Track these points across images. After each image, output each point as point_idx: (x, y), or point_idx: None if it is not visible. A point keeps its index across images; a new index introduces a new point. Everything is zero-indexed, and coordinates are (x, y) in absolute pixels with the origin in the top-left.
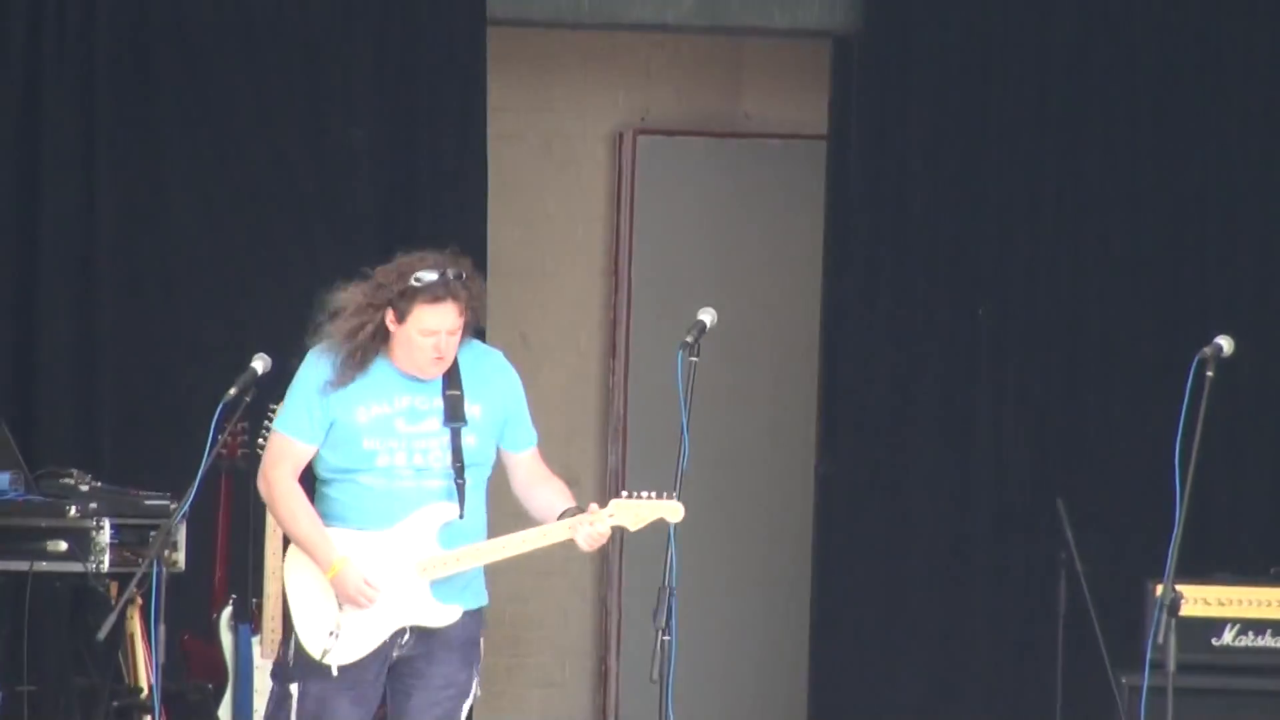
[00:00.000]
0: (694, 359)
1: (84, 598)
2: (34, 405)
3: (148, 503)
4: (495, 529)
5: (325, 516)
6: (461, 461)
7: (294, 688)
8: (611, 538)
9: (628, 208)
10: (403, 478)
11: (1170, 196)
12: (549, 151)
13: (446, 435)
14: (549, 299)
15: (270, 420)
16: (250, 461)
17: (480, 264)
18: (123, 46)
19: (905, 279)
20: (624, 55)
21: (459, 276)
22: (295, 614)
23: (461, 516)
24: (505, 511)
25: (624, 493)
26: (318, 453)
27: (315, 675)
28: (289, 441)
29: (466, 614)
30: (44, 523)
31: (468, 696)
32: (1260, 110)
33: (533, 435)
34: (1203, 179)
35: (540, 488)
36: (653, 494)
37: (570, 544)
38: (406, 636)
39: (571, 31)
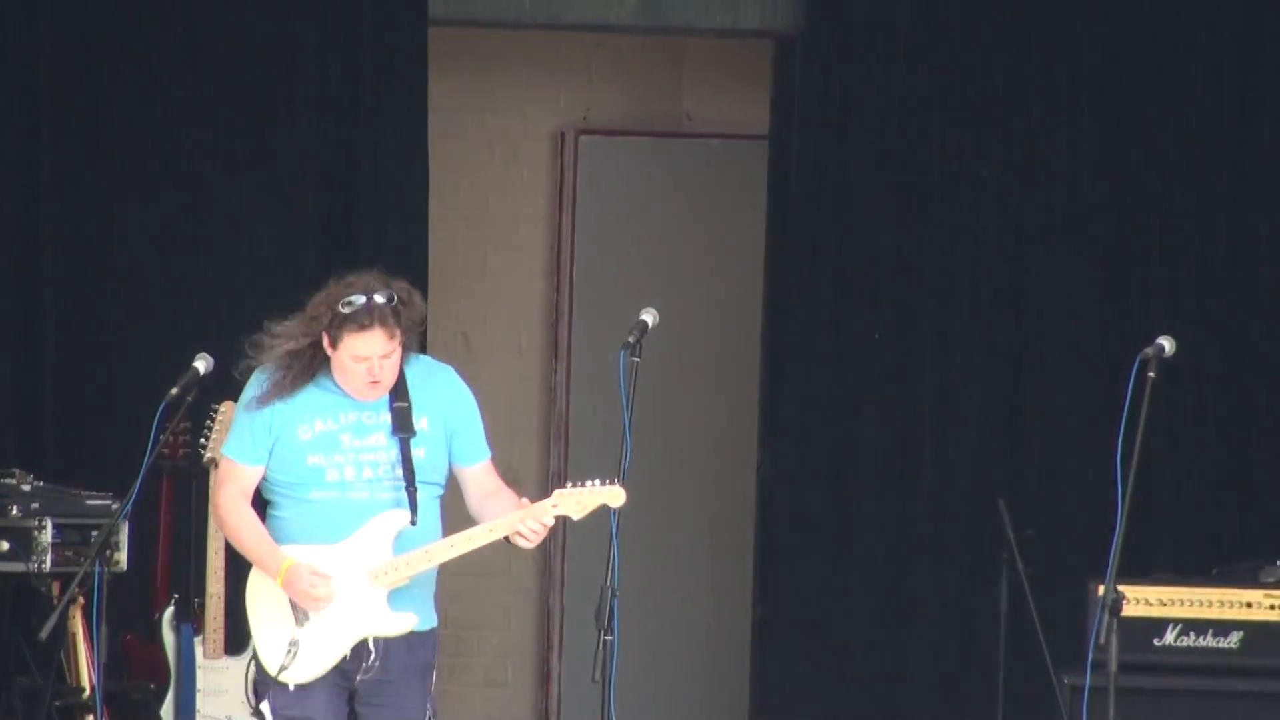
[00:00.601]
0: (636, 359)
1: (26, 597)
2: None
3: (90, 502)
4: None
5: (278, 536)
6: (411, 471)
7: (265, 707)
8: (553, 535)
9: (569, 207)
10: (355, 489)
11: (1113, 196)
12: (491, 151)
13: (395, 448)
14: (491, 298)
15: (212, 420)
16: (192, 462)
17: (421, 263)
18: (67, 42)
19: (847, 278)
20: (566, 55)
21: (389, 300)
22: (255, 632)
23: (414, 523)
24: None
25: (567, 483)
26: (265, 474)
27: (280, 689)
28: (232, 464)
29: (418, 635)
30: None
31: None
32: (1202, 112)
33: (485, 450)
34: (1145, 179)
35: (492, 501)
36: (595, 481)
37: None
38: (372, 657)
39: (513, 31)
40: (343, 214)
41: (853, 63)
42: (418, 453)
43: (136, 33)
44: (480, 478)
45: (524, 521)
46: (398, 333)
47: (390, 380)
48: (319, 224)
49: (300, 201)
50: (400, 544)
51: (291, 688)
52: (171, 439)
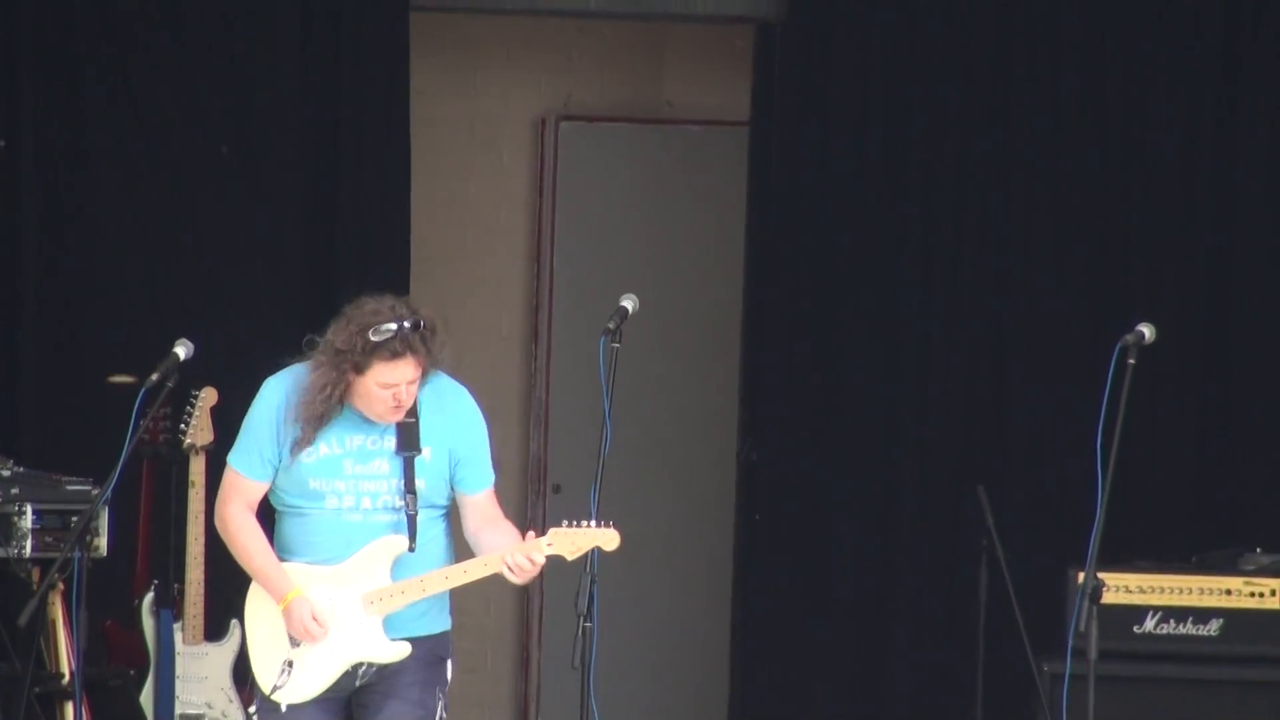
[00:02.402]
0: (616, 345)
1: (5, 583)
2: None
3: (69, 488)
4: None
5: (281, 549)
6: (414, 491)
7: (254, 711)
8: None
9: (550, 193)
10: (351, 515)
11: (1094, 185)
12: (472, 136)
13: (396, 476)
14: (471, 284)
15: (192, 405)
16: (172, 447)
17: (402, 247)
18: (45, 20)
19: (828, 265)
20: (547, 40)
21: (416, 327)
22: (251, 649)
23: (412, 549)
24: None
25: (564, 521)
26: (271, 487)
27: (273, 710)
28: (239, 477)
29: (423, 640)
30: None
31: (432, 716)
32: (1183, 101)
33: (487, 478)
34: (1126, 167)
35: (488, 532)
36: (591, 522)
37: None
38: (364, 668)
39: (494, 16)
40: (324, 198)
41: (834, 50)
42: (419, 482)
43: (117, 17)
44: (480, 505)
45: (514, 556)
46: (425, 359)
47: (410, 402)
48: (300, 208)
49: (281, 186)
50: (398, 569)
51: (284, 708)
52: (152, 424)
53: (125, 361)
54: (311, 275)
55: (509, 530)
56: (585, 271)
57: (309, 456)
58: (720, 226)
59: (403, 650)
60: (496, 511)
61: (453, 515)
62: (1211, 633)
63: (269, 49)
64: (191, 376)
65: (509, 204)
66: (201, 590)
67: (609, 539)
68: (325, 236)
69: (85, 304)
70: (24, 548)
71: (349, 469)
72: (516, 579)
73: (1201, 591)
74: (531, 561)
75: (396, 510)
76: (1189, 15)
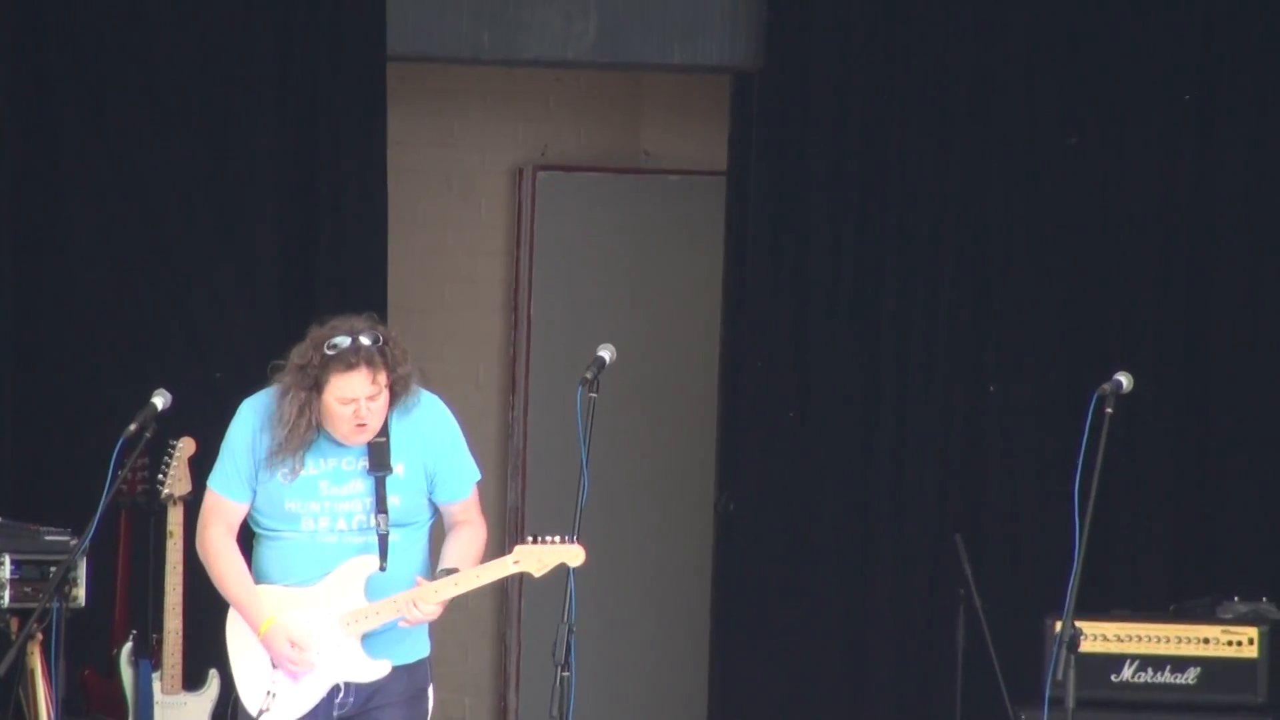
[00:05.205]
0: (593, 395)
1: None
2: None
3: (48, 538)
4: None
5: (258, 573)
6: (385, 511)
7: None
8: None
9: (527, 243)
10: (326, 536)
11: (1071, 232)
12: (449, 186)
13: (370, 496)
14: (448, 333)
15: (170, 456)
16: (150, 498)
17: (379, 297)
18: (21, 76)
19: (805, 315)
20: (524, 91)
21: (376, 341)
22: (235, 672)
23: (383, 569)
24: None
25: (529, 537)
26: (249, 510)
27: None
28: (220, 499)
29: (403, 669)
30: None
31: None
32: (1161, 147)
33: (463, 489)
34: (1103, 215)
35: (447, 539)
36: (556, 538)
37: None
38: (341, 694)
39: (471, 66)
40: (301, 247)
41: (811, 99)
42: (393, 500)
43: (93, 67)
44: (448, 513)
45: (480, 577)
46: (383, 374)
47: (377, 424)
48: (277, 258)
49: (258, 235)
50: (372, 588)
51: None
52: (130, 475)
53: (103, 411)
54: (289, 325)
55: (460, 539)
56: (562, 321)
57: (286, 479)
58: (698, 276)
59: (382, 669)
60: (465, 518)
61: (435, 531)
62: (1189, 681)
63: (245, 97)
64: (169, 427)
65: (486, 254)
66: (180, 640)
67: (574, 555)
68: (302, 286)
69: (62, 354)
70: (2, 598)
71: (324, 490)
72: (404, 621)
73: (1179, 640)
74: (425, 613)
75: (370, 530)
76: (1166, 62)
